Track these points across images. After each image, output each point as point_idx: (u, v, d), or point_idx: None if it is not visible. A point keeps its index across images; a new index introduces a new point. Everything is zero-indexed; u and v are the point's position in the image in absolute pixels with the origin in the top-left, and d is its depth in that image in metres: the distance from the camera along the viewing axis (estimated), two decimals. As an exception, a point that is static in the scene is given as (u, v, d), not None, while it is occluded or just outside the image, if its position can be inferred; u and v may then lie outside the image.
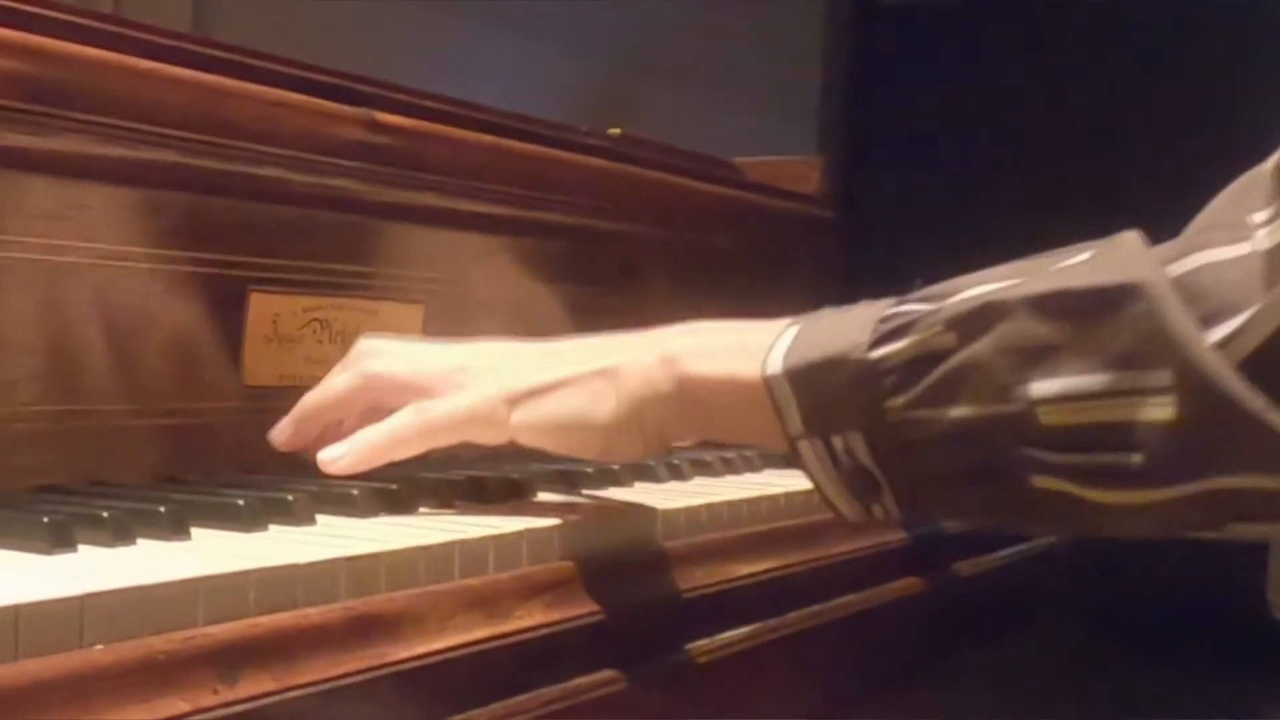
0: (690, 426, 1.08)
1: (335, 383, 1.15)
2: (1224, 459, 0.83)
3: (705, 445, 1.32)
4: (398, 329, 1.34)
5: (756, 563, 1.23)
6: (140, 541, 0.89)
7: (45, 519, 0.85)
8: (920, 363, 0.92)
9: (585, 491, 1.22)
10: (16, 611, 0.69)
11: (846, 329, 0.96)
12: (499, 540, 1.00)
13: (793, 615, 1.24)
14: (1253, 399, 0.81)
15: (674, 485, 1.32)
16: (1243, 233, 0.85)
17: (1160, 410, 0.84)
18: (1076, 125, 4.96)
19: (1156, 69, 5.09)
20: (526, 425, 1.08)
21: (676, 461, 1.36)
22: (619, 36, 4.70)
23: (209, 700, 0.74)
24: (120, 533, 0.88)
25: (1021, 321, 0.89)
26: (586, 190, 1.58)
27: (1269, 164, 0.89)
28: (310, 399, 1.16)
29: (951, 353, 0.91)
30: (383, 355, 1.14)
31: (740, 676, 1.16)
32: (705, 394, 1.02)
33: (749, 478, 1.42)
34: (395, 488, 1.08)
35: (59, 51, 1.05)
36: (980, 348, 0.90)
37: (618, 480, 1.28)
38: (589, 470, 1.25)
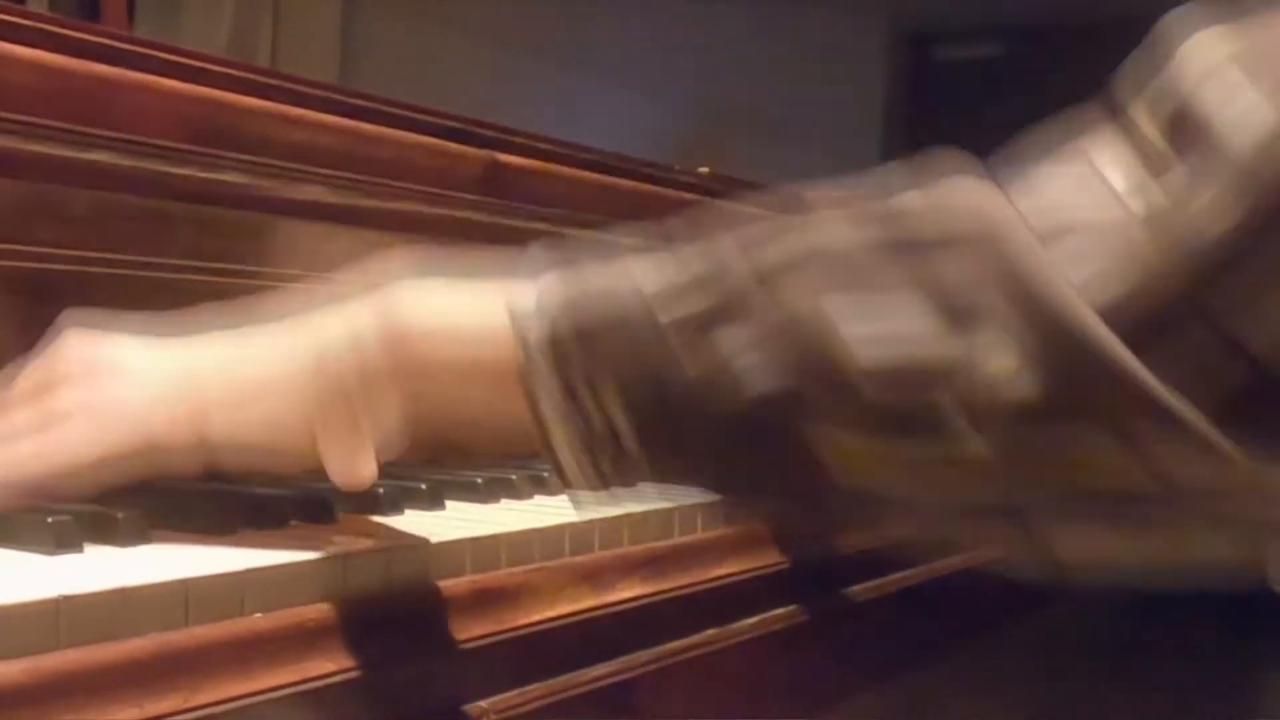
0: (413, 400, 0.79)
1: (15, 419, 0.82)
2: (1065, 410, 0.68)
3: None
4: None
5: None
6: (293, 524, 0.89)
7: (211, 505, 0.86)
8: (718, 307, 0.73)
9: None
10: (186, 585, 0.69)
11: (618, 272, 0.76)
12: (603, 523, 0.99)
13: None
14: (1114, 345, 0.66)
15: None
16: (1107, 199, 0.70)
17: (997, 352, 0.68)
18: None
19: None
20: (223, 445, 0.81)
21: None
22: (708, 90, 4.70)
23: (352, 662, 0.74)
24: (275, 517, 0.88)
25: (843, 264, 0.71)
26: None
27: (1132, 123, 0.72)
28: None
29: (751, 294, 0.72)
30: (71, 374, 0.83)
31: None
32: (436, 368, 0.78)
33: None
34: (514, 477, 1.08)
35: (222, 100, 1.06)
36: (794, 287, 0.72)
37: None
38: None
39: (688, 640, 1.00)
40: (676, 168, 1.68)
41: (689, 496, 1.12)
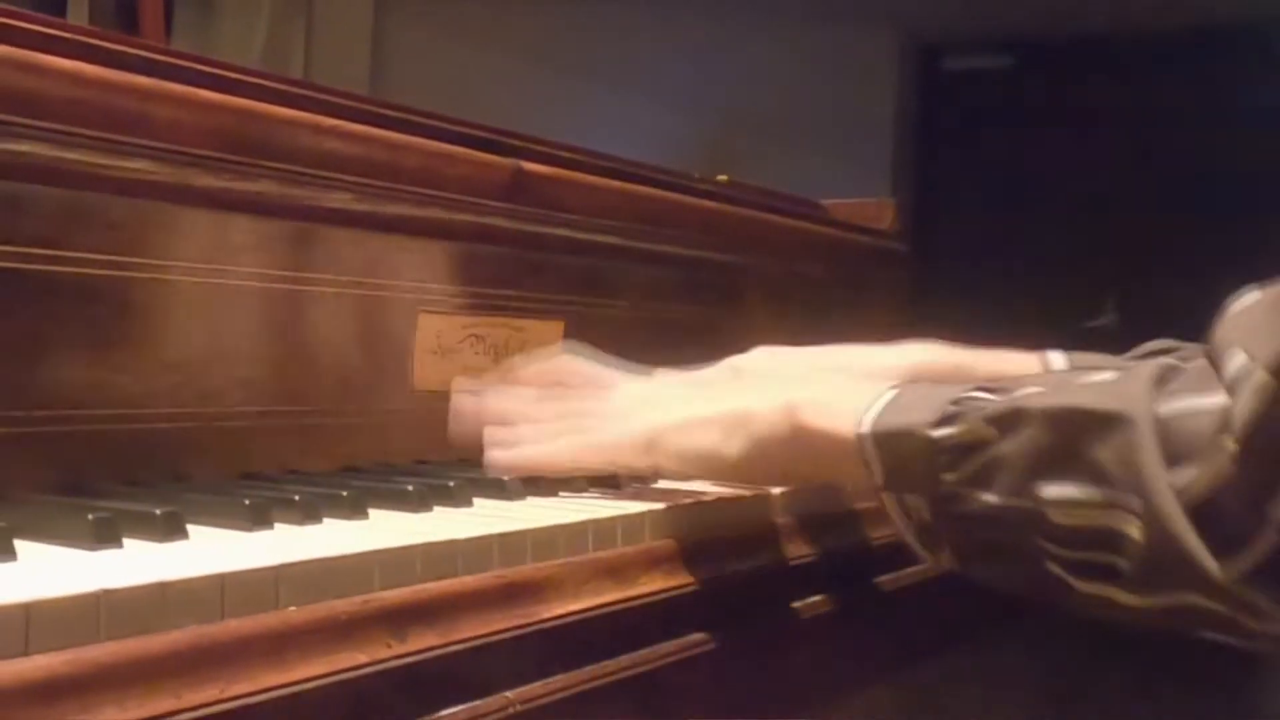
0: (803, 468, 1.06)
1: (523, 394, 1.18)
2: (1176, 580, 0.85)
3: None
4: (540, 343, 1.34)
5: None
6: (326, 520, 0.89)
7: (246, 501, 0.86)
8: (967, 448, 0.93)
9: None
10: (222, 579, 0.70)
11: (924, 405, 0.96)
12: (626, 519, 0.99)
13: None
14: (1190, 538, 0.82)
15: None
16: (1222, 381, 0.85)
17: (1133, 529, 0.85)
18: (1111, 171, 4.93)
19: (1181, 127, 5.08)
20: (671, 456, 1.08)
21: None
22: (725, 100, 4.70)
23: (383, 653, 0.74)
24: (309, 513, 0.89)
25: (1038, 430, 0.90)
26: (699, 227, 1.58)
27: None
28: (503, 400, 1.18)
29: (989, 445, 0.92)
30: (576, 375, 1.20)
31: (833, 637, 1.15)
32: (814, 443, 1.02)
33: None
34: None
35: (256, 111, 1.05)
36: (1007, 447, 0.91)
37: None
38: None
39: (706, 633, 1.00)
40: (696, 175, 1.68)
41: (708, 493, 1.12)
